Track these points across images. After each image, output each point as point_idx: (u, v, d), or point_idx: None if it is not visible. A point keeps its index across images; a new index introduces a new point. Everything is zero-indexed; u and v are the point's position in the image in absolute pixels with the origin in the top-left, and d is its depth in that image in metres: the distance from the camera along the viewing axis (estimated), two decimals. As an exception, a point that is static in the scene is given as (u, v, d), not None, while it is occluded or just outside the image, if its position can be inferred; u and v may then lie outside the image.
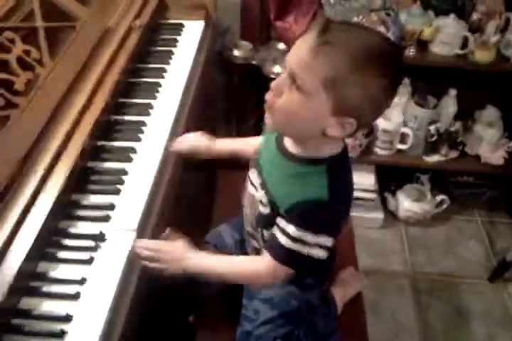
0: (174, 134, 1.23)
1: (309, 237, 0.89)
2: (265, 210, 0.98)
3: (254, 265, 0.97)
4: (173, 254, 0.97)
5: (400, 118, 1.95)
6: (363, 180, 2.06)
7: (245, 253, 1.14)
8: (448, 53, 1.76)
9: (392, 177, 2.22)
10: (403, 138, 1.98)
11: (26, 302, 0.87)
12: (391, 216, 2.19)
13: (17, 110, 1.04)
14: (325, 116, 0.83)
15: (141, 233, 1.01)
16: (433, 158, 2.01)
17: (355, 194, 2.02)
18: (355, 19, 1.68)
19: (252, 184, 1.02)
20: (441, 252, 2.10)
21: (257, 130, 1.20)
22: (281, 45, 1.86)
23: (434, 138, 1.95)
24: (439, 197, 2.14)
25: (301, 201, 0.88)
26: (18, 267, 0.86)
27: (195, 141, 1.17)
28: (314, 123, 0.85)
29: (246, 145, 1.14)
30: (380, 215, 2.14)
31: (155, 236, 1.02)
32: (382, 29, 1.65)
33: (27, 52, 1.14)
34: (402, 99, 1.96)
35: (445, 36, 1.72)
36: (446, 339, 1.80)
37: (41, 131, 1.06)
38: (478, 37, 1.73)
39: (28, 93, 1.09)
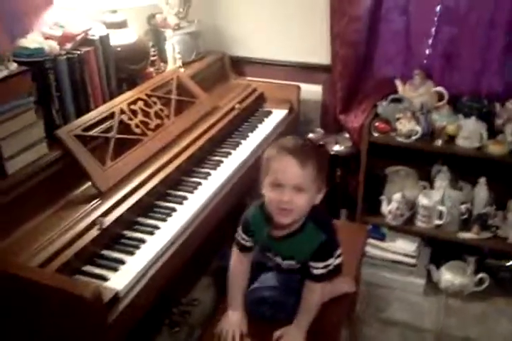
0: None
1: (330, 261, 1.51)
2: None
3: (316, 291, 1.54)
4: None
5: (438, 197, 2.39)
6: (406, 246, 2.48)
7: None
8: (469, 146, 2.22)
9: (444, 253, 2.56)
10: (440, 215, 2.40)
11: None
12: (434, 285, 2.49)
13: (147, 137, 1.82)
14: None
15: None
16: (466, 235, 2.38)
17: (397, 257, 2.41)
18: (396, 115, 2.28)
19: None
20: (473, 322, 2.32)
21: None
22: (346, 134, 2.50)
23: (464, 216, 2.35)
24: (480, 275, 2.42)
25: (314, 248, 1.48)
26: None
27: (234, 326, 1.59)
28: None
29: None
30: (421, 281, 2.48)
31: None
32: (413, 123, 2.23)
33: (161, 110, 1.95)
34: (442, 183, 2.43)
35: (466, 133, 2.21)
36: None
37: (157, 151, 1.83)
38: (501, 137, 2.18)
39: (156, 130, 1.87)
